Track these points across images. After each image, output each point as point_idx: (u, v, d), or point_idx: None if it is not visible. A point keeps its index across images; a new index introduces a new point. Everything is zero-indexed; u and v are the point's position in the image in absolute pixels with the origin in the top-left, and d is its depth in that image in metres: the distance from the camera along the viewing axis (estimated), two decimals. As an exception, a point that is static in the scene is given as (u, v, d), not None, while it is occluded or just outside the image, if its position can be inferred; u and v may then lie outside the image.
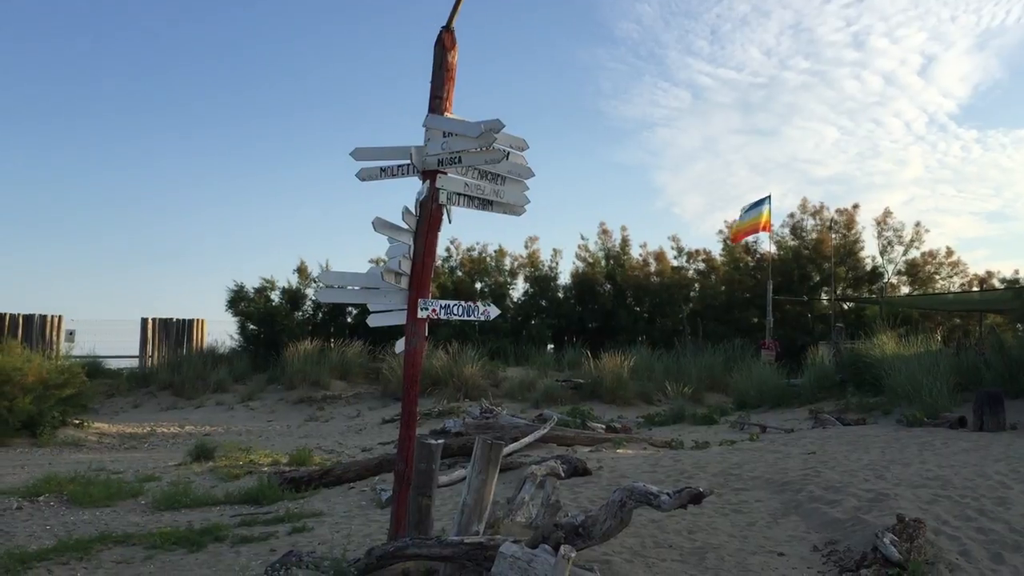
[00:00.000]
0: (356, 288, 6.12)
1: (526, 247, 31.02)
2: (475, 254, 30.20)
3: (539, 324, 28.99)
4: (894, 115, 59.82)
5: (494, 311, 6.13)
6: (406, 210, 5.65)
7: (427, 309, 5.78)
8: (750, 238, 28.73)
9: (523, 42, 58.98)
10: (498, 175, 6.00)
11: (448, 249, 30.17)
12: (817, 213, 30.84)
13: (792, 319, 28.68)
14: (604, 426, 14.24)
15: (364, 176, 6.05)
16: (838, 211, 30.89)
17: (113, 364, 23.99)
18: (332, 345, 23.82)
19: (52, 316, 23.88)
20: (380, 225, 5.70)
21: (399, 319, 5.86)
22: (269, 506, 8.79)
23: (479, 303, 6.10)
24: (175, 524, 7.87)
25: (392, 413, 17.70)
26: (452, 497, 7.98)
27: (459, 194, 5.85)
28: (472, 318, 6.09)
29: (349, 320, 27.18)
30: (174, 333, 25.57)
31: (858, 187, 57.01)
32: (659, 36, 60.69)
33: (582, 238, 32.08)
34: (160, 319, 25.41)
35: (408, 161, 5.79)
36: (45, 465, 12.02)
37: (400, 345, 5.88)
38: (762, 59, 59.37)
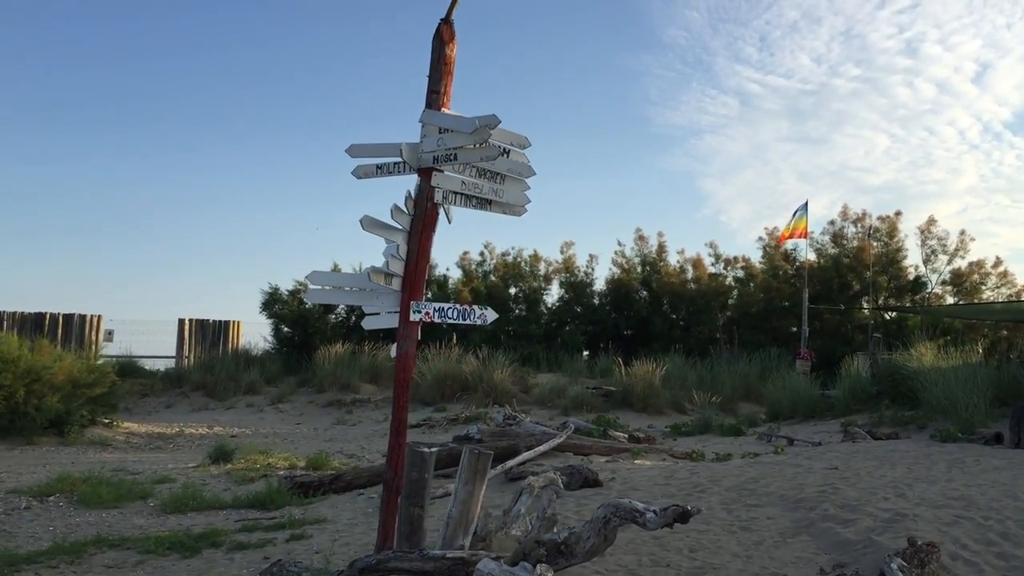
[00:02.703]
0: (348, 289, 5.93)
1: (562, 252, 30.53)
2: (510, 259, 29.87)
3: (573, 330, 28.62)
4: (948, 123, 58.27)
5: (491, 315, 5.89)
6: (396, 208, 5.45)
7: (420, 312, 5.59)
8: (788, 244, 28.32)
9: (570, 48, 58.61)
10: (497, 173, 5.78)
11: (482, 253, 29.92)
12: (859, 220, 29.87)
13: (831, 329, 27.94)
14: (627, 435, 13.91)
15: (360, 174, 5.85)
16: (880, 218, 29.89)
17: (150, 364, 24.25)
18: (364, 348, 23.69)
19: (92, 316, 24.27)
20: (370, 224, 5.51)
21: (392, 322, 5.68)
22: (275, 511, 8.65)
23: (475, 307, 5.86)
24: (178, 528, 7.77)
25: (419, 418, 17.54)
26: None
27: (456, 193, 5.64)
28: (468, 322, 5.87)
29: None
30: (210, 334, 25.82)
31: (910, 196, 55.60)
32: (707, 43, 59.87)
33: (619, 244, 31.53)
34: (197, 320, 25.67)
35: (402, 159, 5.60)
36: (67, 464, 12.05)
37: (394, 350, 5.69)
38: (812, 66, 58.28)
